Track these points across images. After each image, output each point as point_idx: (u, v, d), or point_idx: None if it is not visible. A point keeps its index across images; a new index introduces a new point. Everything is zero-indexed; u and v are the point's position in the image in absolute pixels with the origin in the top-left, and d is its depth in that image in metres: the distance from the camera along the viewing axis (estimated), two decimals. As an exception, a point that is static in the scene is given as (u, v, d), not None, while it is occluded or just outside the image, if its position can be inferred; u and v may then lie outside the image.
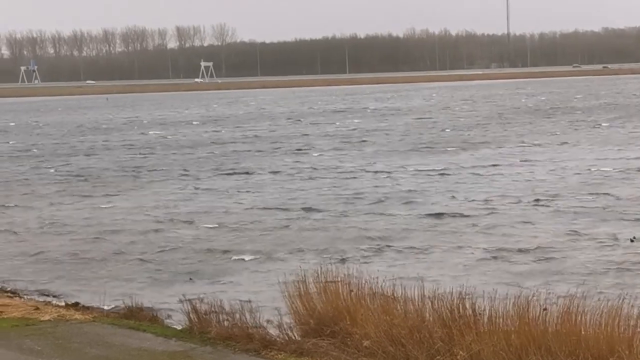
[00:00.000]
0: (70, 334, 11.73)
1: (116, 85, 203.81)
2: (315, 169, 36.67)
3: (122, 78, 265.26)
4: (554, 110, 75.39)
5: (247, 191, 30.40)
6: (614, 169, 32.66)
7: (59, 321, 12.57)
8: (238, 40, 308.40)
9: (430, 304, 10.62)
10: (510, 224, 22.43)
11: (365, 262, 18.52)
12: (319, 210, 25.50)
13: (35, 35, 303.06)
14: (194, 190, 31.25)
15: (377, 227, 22.70)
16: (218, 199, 28.68)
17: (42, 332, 11.85)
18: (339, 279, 11.78)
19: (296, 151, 45.11)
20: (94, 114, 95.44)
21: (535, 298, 10.07)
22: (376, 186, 30.39)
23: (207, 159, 42.72)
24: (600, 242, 19.99)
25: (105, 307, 14.15)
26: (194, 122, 74.43)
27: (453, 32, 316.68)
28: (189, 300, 12.46)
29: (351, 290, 11.37)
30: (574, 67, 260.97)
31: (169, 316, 13.92)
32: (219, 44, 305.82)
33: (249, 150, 46.29)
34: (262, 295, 15.58)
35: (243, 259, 19.55)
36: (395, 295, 11.32)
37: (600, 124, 56.75)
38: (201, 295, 13.96)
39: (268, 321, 12.01)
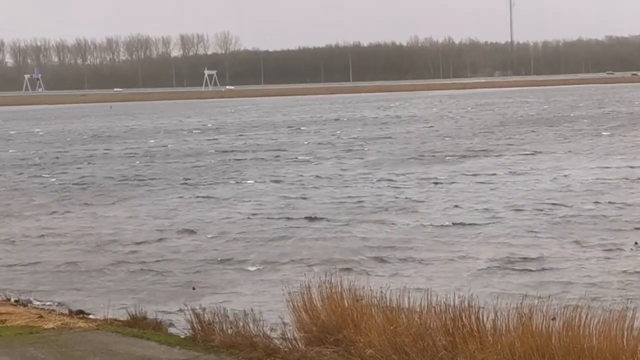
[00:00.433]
0: (73, 342, 11.72)
1: (123, 94, 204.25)
2: (318, 177, 36.68)
3: (126, 86, 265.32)
4: (557, 118, 75.38)
5: (249, 200, 30.40)
6: (616, 178, 32.64)
7: (62, 329, 12.57)
8: (242, 49, 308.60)
9: (433, 312, 10.60)
10: (513, 232, 22.41)
11: (368, 271, 18.53)
12: (320, 219, 25.50)
13: (39, 44, 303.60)
14: (195, 199, 31.26)
15: (380, 236, 22.70)
16: (219, 208, 28.68)
17: (46, 340, 11.84)
18: (342, 288, 11.78)
19: (297, 160, 45.12)
20: (97, 122, 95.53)
21: (539, 307, 10.06)
22: (378, 195, 30.38)
23: (209, 167, 42.75)
24: (605, 250, 19.98)
25: (109, 315, 14.15)
26: (195, 131, 74.46)
27: (456, 40, 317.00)
28: (192, 308, 12.46)
29: (355, 299, 11.37)
30: (607, 74, 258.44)
31: (173, 324, 13.93)
32: (223, 52, 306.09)
33: (251, 159, 46.30)
34: (265, 304, 15.58)
35: (245, 268, 19.56)
36: (398, 303, 11.31)
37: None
38: (204, 304, 13.96)
39: (271, 329, 12.01)
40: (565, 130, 60.09)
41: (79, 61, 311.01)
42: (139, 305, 14.00)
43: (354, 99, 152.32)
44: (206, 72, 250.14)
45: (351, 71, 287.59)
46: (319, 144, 55.70)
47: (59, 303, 16.58)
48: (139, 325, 12.83)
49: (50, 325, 12.79)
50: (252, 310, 12.47)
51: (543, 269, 18.35)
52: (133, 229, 25.05)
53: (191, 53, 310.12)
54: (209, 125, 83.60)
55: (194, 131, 74.49)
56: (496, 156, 43.40)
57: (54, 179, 39.36)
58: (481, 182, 32.91)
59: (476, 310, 10.37)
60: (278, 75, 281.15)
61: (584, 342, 9.35)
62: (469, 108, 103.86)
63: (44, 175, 41.31)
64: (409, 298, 11.20)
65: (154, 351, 11.25)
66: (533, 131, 60.49)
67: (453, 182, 33.19)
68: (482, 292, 15.09)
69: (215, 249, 21.75)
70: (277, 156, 47.37)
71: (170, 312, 15.32)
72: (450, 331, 10.05)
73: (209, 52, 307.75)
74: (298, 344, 11.07)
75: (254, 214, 26.95)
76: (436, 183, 33.18)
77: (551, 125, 66.81)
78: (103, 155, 51.71)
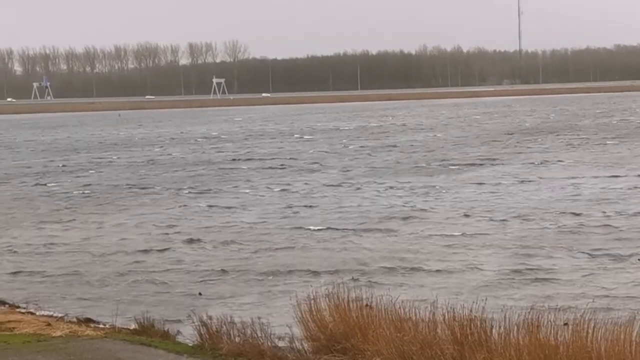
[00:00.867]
0: (81, 350, 11.73)
1: (130, 102, 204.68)
2: (324, 185, 36.68)
3: (134, 94, 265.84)
4: (565, 127, 75.26)
5: (254, 209, 30.39)
6: (625, 187, 32.57)
7: (70, 337, 12.59)
8: (250, 57, 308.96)
9: (441, 320, 10.60)
10: (521, 242, 22.37)
11: (376, 280, 18.50)
12: (326, 228, 25.48)
13: (47, 52, 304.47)
14: (200, 207, 31.25)
15: (386, 245, 22.67)
16: (224, 217, 28.69)
17: (54, 347, 11.85)
18: (350, 297, 11.78)
19: (303, 169, 45.12)
20: (105, 131, 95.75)
21: (547, 317, 10.04)
22: (384, 204, 30.34)
23: (213, 176, 42.73)
24: (613, 260, 19.94)
25: (117, 324, 14.16)
26: (199, 139, 74.56)
27: (465, 49, 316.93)
28: (200, 316, 12.48)
29: (362, 307, 11.38)
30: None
31: (180, 333, 13.93)
32: (231, 60, 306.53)
33: (256, 168, 46.29)
34: (272, 313, 15.58)
35: (251, 277, 19.55)
36: (406, 312, 11.31)
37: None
38: (211, 313, 13.96)
39: (279, 337, 12.02)
40: (573, 139, 59.98)
41: (88, 69, 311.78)
42: (146, 314, 14.02)
43: (362, 107, 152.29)
44: (214, 80, 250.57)
45: (359, 79, 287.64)
46: (325, 152, 55.70)
47: (67, 312, 16.60)
48: (147, 334, 12.85)
49: (58, 333, 12.81)
50: (259, 318, 12.49)
51: (551, 279, 18.31)
52: (138, 237, 25.07)
53: (200, 61, 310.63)
54: (215, 133, 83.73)
55: (198, 139, 74.64)
56: (503, 165, 43.35)
57: (58, 188, 39.40)
58: (488, 192, 32.85)
59: (484, 319, 10.36)
60: (286, 84, 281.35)
61: (592, 352, 9.34)
62: (477, 116, 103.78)
63: (49, 183, 41.35)
64: (416, 307, 11.20)
65: (161, 359, 11.26)
66: (541, 140, 60.41)
67: (460, 191, 33.15)
68: (490, 302, 15.02)
69: (221, 258, 21.74)
70: (282, 165, 47.37)
71: (177, 321, 15.32)
72: (459, 340, 10.05)
73: (218, 61, 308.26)
74: (306, 352, 11.09)
75: (259, 223, 26.94)
76: (443, 192, 33.14)
77: (558, 133, 66.72)
78: (108, 164, 51.80)
